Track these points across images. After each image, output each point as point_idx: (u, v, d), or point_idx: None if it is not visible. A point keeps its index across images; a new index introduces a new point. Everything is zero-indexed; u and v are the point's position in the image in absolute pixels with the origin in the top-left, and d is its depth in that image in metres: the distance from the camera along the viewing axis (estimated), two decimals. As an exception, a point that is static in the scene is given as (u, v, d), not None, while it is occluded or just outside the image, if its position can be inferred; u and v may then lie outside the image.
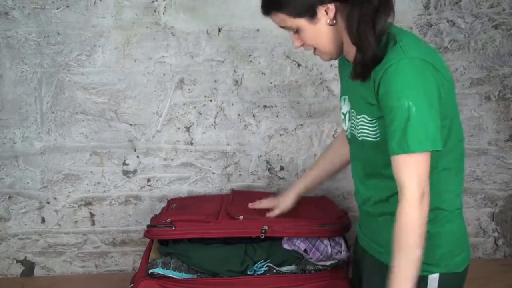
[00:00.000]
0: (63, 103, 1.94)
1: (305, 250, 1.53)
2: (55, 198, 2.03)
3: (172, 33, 1.89)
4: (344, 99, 1.26)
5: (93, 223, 2.07)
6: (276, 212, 1.56)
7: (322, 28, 1.12)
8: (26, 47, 1.89)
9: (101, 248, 2.09)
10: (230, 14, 1.88)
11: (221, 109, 1.97)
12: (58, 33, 1.88)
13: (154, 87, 1.94)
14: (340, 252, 1.54)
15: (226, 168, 2.03)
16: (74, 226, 2.06)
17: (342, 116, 1.28)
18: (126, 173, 2.02)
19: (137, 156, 2.01)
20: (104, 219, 2.06)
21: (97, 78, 1.93)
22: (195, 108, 1.97)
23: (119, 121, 1.97)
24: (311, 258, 1.53)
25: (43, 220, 2.05)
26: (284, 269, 1.53)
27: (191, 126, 1.98)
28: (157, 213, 1.84)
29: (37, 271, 2.10)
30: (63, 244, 2.08)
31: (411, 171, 1.05)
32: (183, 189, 2.04)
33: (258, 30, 1.90)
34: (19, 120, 1.95)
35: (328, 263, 1.53)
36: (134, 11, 1.87)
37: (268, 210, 1.59)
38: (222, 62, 1.93)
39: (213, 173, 2.03)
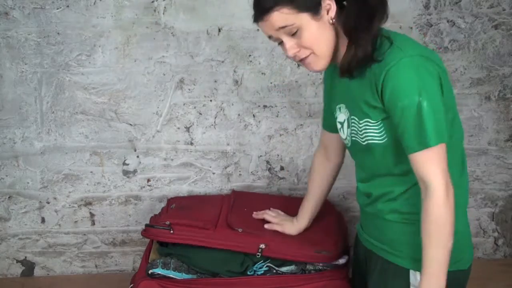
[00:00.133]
0: (63, 103, 1.94)
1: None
2: (55, 198, 2.03)
3: (172, 33, 1.90)
4: (340, 108, 1.26)
5: (93, 223, 2.07)
6: (277, 229, 1.57)
7: (324, 26, 1.12)
8: (26, 47, 1.89)
9: (101, 248, 2.09)
10: (230, 14, 1.88)
11: (221, 109, 1.97)
12: (58, 33, 1.88)
13: (154, 87, 1.94)
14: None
15: (226, 168, 2.03)
16: (74, 226, 2.06)
17: (339, 125, 1.29)
18: (126, 173, 2.02)
19: (137, 156, 2.01)
20: (104, 219, 2.07)
21: (97, 78, 1.93)
22: (195, 108, 1.97)
23: (119, 121, 1.97)
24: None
25: (43, 220, 2.05)
26: (284, 269, 1.53)
27: (191, 126, 1.98)
28: (157, 213, 1.84)
29: (37, 271, 2.11)
30: (63, 244, 2.08)
31: (434, 166, 1.07)
32: (183, 189, 2.04)
33: (258, 30, 1.89)
34: (19, 120, 1.96)
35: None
36: (134, 11, 1.87)
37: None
38: (222, 62, 1.93)
39: (213, 173, 2.03)
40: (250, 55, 1.92)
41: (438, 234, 1.07)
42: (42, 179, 2.01)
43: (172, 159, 2.01)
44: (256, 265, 1.52)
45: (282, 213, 1.65)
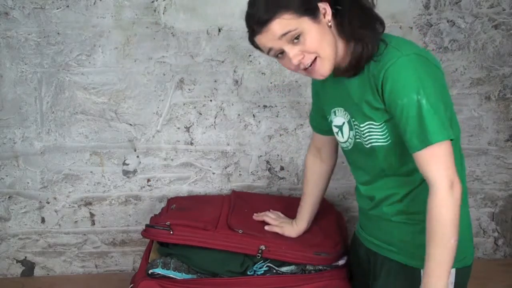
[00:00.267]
0: (63, 103, 1.94)
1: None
2: (55, 198, 2.03)
3: (172, 33, 1.89)
4: (335, 111, 1.26)
5: (93, 223, 2.07)
6: (277, 231, 1.57)
7: (324, 29, 1.12)
8: (26, 47, 1.89)
9: (101, 248, 2.09)
10: (230, 14, 1.88)
11: (221, 109, 1.97)
12: (58, 33, 1.88)
13: (154, 87, 1.94)
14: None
15: (226, 168, 2.03)
16: (74, 226, 2.06)
17: (336, 129, 1.28)
18: (126, 173, 2.02)
19: (137, 156, 2.01)
20: (104, 219, 2.07)
21: (97, 78, 1.93)
22: (195, 108, 1.97)
23: (119, 121, 1.97)
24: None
25: (43, 220, 2.05)
26: (284, 269, 1.53)
27: (191, 126, 1.98)
28: (157, 213, 1.84)
29: (37, 271, 2.11)
30: (63, 244, 2.08)
31: (437, 163, 1.06)
32: (183, 189, 2.04)
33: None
34: (19, 120, 1.95)
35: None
36: (134, 11, 1.87)
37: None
38: (222, 62, 1.93)
39: (213, 173, 2.03)
40: (250, 55, 1.92)
41: (440, 233, 1.06)
42: (42, 179, 2.01)
43: (172, 159, 2.01)
44: (256, 265, 1.52)
45: (282, 215, 1.65)
